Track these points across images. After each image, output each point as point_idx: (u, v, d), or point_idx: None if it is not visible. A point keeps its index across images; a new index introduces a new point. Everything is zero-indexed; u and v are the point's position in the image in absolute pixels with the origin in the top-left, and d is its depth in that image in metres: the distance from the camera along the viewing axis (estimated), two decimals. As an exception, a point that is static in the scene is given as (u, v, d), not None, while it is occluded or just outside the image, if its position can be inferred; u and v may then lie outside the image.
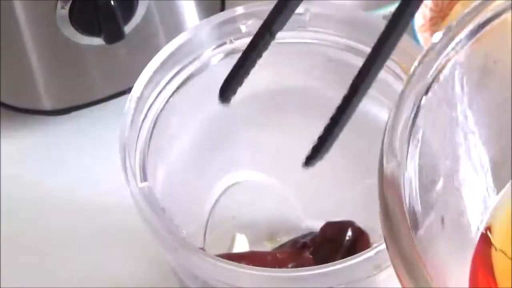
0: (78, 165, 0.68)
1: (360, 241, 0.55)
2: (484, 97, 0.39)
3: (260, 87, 0.54)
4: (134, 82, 0.49)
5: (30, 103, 0.68)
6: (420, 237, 0.34)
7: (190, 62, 0.51)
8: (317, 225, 0.57)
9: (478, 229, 0.40)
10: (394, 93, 0.51)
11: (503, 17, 0.38)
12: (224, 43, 0.51)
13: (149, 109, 0.49)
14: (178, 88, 0.51)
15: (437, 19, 0.70)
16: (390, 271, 0.45)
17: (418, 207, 0.35)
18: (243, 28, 0.51)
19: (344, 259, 0.43)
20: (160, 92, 0.50)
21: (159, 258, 0.59)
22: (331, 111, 0.56)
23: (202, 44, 0.51)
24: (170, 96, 0.50)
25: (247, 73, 0.41)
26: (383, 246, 0.43)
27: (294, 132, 0.57)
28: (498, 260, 0.40)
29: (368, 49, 0.51)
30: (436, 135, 0.38)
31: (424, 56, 0.37)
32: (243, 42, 0.51)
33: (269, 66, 0.53)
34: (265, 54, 0.53)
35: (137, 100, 0.48)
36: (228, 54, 0.52)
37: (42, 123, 0.69)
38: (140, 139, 0.48)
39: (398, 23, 0.39)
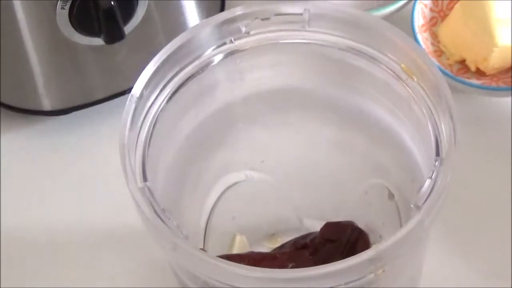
0: (78, 165, 0.68)
1: (360, 241, 0.55)
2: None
3: (260, 87, 0.54)
4: (134, 82, 0.49)
5: (30, 103, 0.68)
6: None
7: (190, 62, 0.51)
8: (317, 225, 0.57)
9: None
10: (394, 93, 0.51)
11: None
12: (224, 43, 0.51)
13: (149, 109, 0.49)
14: (178, 88, 0.51)
15: (437, 19, 0.70)
16: (390, 271, 0.45)
17: None
18: (243, 28, 0.51)
19: (344, 259, 0.43)
20: (160, 92, 0.50)
21: (159, 258, 0.59)
22: (330, 111, 0.56)
23: (202, 44, 0.51)
24: (170, 96, 0.50)
25: None
26: (383, 246, 0.43)
27: (294, 132, 0.57)
28: None
29: (368, 49, 0.51)
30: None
31: None
32: (243, 42, 0.51)
33: (269, 66, 0.53)
34: (266, 54, 0.53)
35: (137, 100, 0.48)
36: (228, 54, 0.52)
37: (42, 123, 0.69)
38: (140, 139, 0.48)
39: None
